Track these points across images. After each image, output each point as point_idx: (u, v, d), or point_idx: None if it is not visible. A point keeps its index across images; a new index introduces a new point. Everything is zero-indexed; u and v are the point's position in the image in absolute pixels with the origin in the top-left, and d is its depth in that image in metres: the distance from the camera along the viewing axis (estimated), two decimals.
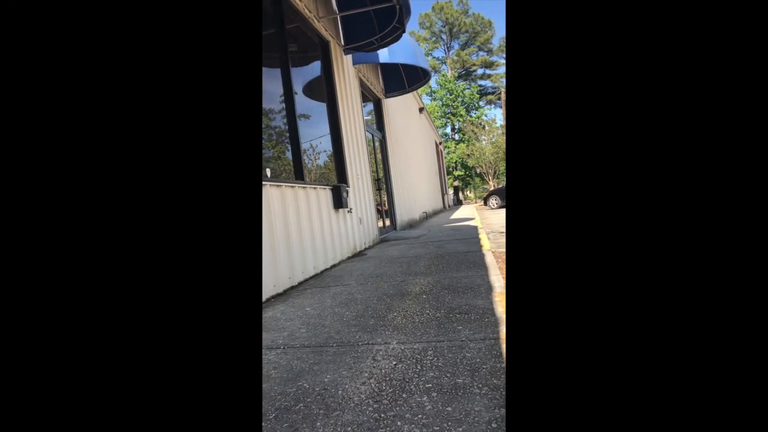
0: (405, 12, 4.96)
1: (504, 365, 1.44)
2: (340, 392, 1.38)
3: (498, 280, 2.83)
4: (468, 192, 31.79)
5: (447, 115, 31.49)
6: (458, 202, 26.15)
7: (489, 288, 2.63)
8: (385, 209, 7.94)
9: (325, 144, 5.24)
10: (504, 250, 4.28)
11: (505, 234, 6.27)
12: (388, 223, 7.93)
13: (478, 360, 1.51)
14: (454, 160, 29.75)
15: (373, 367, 1.56)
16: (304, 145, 4.42)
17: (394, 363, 1.58)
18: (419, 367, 1.51)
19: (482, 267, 3.37)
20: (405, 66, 7.70)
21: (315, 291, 3.17)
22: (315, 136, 4.96)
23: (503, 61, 35.72)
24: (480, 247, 4.63)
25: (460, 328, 1.90)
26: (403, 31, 5.33)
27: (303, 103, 4.66)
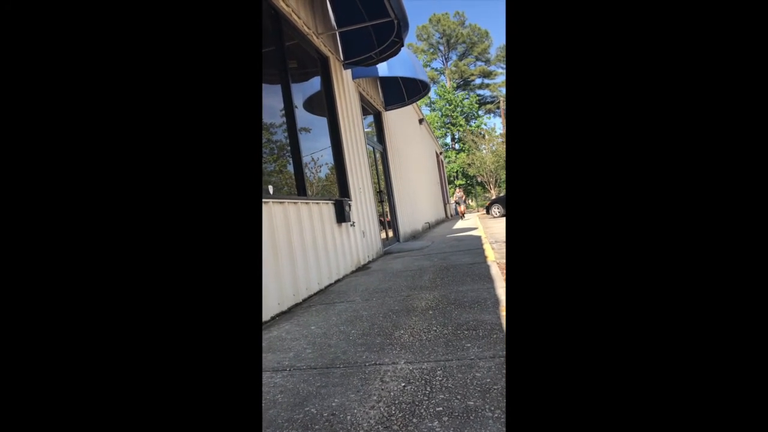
0: (403, 26, 5.00)
1: None
2: (348, 418, 1.35)
3: (505, 293, 2.80)
4: (469, 201, 31.74)
5: (447, 125, 31.62)
6: (456, 213, 25.97)
7: (496, 302, 2.60)
8: (388, 220, 7.92)
9: (327, 158, 5.25)
10: None
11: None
12: (390, 234, 7.90)
13: (488, 380, 1.48)
14: (455, 170, 29.80)
15: (382, 389, 1.53)
16: (305, 160, 4.42)
17: (403, 384, 1.54)
18: (429, 388, 1.48)
19: (488, 279, 3.34)
20: (404, 79, 7.74)
21: (320, 308, 3.14)
22: (316, 151, 4.97)
23: (501, 70, 36.00)
24: (485, 258, 4.60)
25: (469, 345, 1.87)
26: (402, 45, 5.37)
27: (304, 117, 4.68)
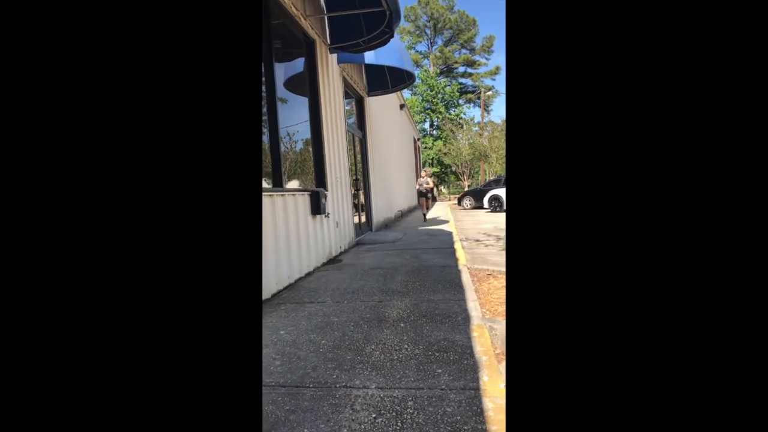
0: (395, 18, 4.86)
1: (485, 426, 1.43)
2: None
3: (475, 307, 2.84)
4: (442, 188, 32.00)
5: (426, 111, 31.49)
6: (433, 199, 26.22)
7: (466, 318, 2.63)
8: (362, 203, 7.86)
9: (306, 143, 5.11)
10: (479, 266, 4.31)
11: (480, 243, 6.33)
12: (363, 219, 7.85)
13: (458, 418, 1.49)
14: (431, 157, 29.87)
15: (352, 420, 1.52)
16: (283, 147, 4.29)
17: (374, 416, 1.54)
18: (399, 423, 1.48)
19: (459, 288, 3.37)
20: (390, 67, 7.59)
21: (289, 308, 3.09)
22: (295, 138, 4.83)
23: (485, 60, 35.97)
24: (456, 260, 4.65)
25: (440, 371, 1.88)
26: (392, 37, 5.24)
27: (286, 101, 4.52)
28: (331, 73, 5.67)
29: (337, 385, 1.80)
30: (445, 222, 9.73)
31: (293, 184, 4.66)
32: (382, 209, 9.30)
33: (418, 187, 10.61)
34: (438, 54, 35.38)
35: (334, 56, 5.84)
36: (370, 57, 6.31)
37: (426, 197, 10.47)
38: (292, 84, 4.96)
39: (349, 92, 7.20)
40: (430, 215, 11.93)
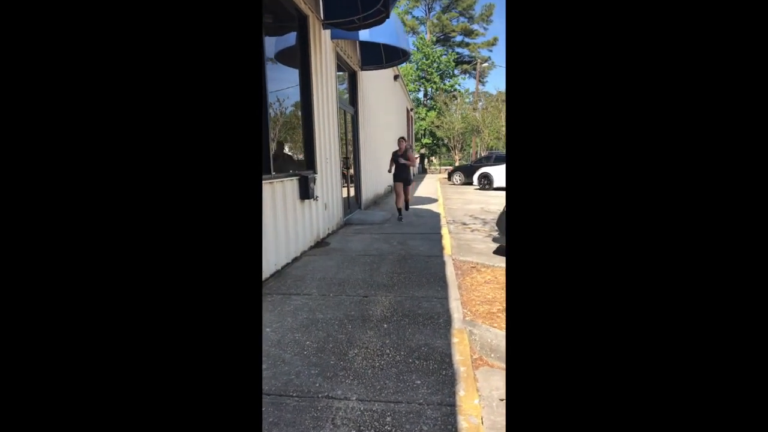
0: None
1: None
2: None
3: (457, 307, 2.91)
4: (434, 159, 31.89)
5: (421, 80, 30.86)
6: (422, 171, 26.29)
7: (448, 320, 2.70)
8: (351, 175, 7.82)
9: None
10: (464, 258, 4.38)
11: (467, 227, 6.40)
12: (352, 192, 7.83)
13: None
14: (423, 128, 29.54)
15: None
16: (272, 112, 4.22)
17: None
18: None
19: (442, 283, 3.44)
20: (385, 44, 7.38)
21: (276, 299, 3.14)
22: (285, 105, 4.74)
23: (483, 30, 35.05)
24: (442, 249, 4.72)
25: (419, 382, 1.96)
26: (387, 16, 5.07)
27: (273, 65, 4.40)
28: (324, 51, 5.50)
29: (320, 395, 1.87)
30: (434, 201, 9.76)
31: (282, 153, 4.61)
32: (371, 186, 9.28)
33: (394, 164, 6.85)
34: (435, 21, 34.33)
35: (328, 32, 5.65)
36: (364, 34, 6.13)
37: (407, 182, 6.84)
38: (284, 56, 4.82)
39: (341, 67, 7.02)
40: (419, 192, 11.85)
